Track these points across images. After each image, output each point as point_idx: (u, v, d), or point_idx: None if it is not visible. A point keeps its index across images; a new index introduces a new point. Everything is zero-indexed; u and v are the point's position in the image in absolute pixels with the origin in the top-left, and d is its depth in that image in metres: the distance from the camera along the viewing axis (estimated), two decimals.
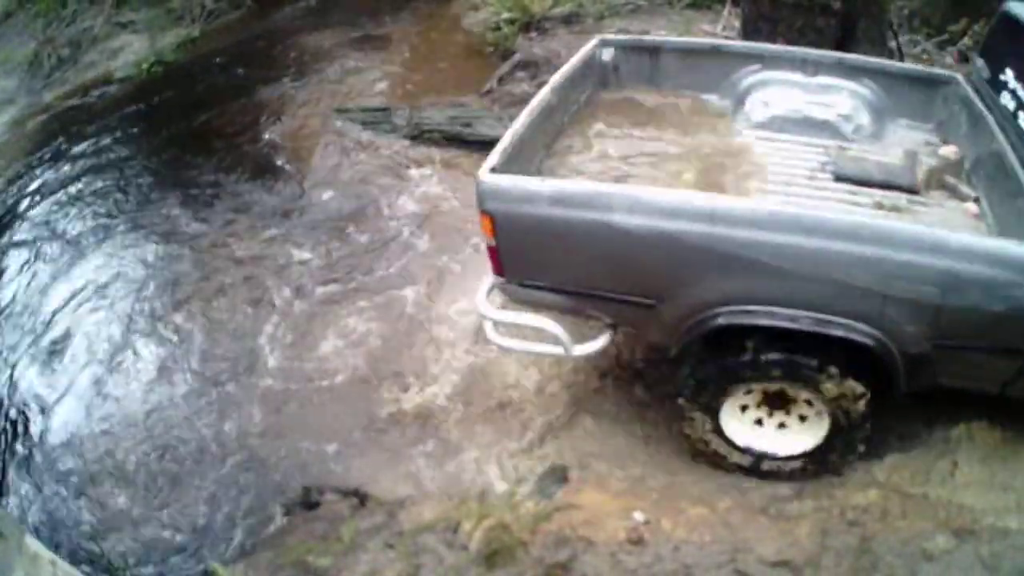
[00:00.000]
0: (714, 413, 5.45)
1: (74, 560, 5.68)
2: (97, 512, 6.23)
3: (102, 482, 6.45)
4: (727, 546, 5.16)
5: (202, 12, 13.86)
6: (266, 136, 10.51)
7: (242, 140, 10.52)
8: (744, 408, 5.51)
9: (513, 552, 5.05)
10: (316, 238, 8.51)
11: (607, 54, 6.96)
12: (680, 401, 5.41)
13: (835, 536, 5.26)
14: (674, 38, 7.32)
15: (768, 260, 4.66)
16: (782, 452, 5.60)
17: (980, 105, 6.18)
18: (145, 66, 13.26)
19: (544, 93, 6.02)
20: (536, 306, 5.33)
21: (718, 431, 5.51)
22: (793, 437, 5.58)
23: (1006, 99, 5.95)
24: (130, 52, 13.84)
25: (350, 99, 11.02)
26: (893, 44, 10.41)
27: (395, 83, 11.56)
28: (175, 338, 7.63)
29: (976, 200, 5.83)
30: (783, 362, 5.07)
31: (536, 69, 11.13)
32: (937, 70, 7.24)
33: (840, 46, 9.54)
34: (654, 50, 7.06)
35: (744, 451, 5.59)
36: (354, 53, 12.53)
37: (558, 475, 5.75)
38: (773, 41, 9.33)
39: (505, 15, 12.45)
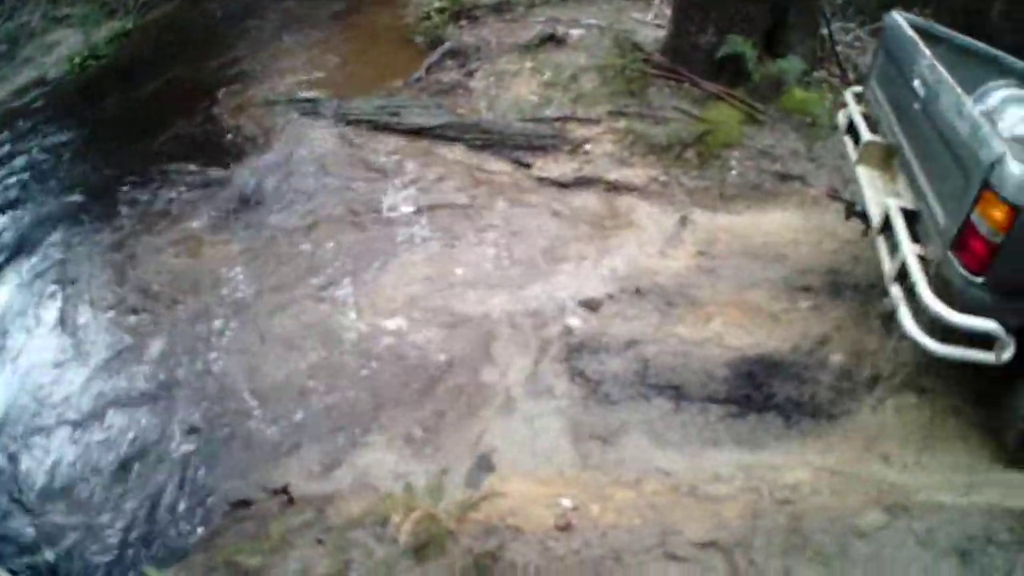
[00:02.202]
0: None
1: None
2: (32, 521, 6.05)
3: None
4: (656, 529, 5.09)
5: (135, 4, 13.71)
6: (197, 129, 10.31)
7: (173, 134, 10.30)
8: None
9: (442, 543, 4.97)
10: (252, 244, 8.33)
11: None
12: None
13: (765, 516, 5.19)
14: (961, 35, 7.15)
15: None
16: None
17: None
18: (78, 60, 12.96)
19: None
20: (980, 311, 5.00)
21: None
22: None
23: None
24: (65, 47, 13.65)
25: (281, 90, 10.83)
26: (825, 32, 10.44)
27: (327, 73, 11.39)
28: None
29: None
30: None
31: (465, 57, 11.10)
32: None
33: (771, 34, 9.56)
34: (936, 39, 6.84)
35: None
36: (286, 43, 12.41)
37: (485, 464, 5.65)
38: (703, 28, 9.37)
39: (436, 4, 12.40)
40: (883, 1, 11.04)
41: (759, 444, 5.82)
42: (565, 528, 5.11)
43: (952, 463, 5.68)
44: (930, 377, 6.15)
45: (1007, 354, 4.96)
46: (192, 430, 6.27)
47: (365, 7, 13.69)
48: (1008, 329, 4.89)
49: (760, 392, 6.12)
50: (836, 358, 6.37)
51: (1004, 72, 6.80)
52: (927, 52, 5.90)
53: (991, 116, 6.47)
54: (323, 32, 12.76)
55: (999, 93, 6.64)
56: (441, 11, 12.24)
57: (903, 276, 5.25)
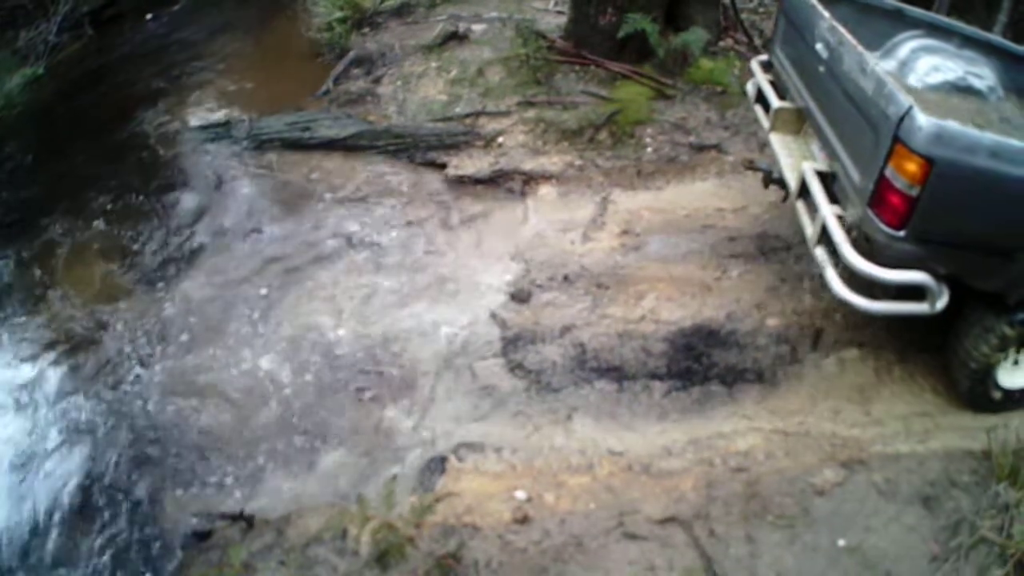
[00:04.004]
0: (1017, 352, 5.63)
1: None
2: None
3: None
4: (613, 511, 5.16)
5: (45, 48, 13.45)
6: (112, 163, 10.10)
7: (91, 171, 10.11)
8: None
9: (402, 550, 4.98)
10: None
11: None
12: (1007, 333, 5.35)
13: (721, 485, 5.29)
14: None
15: None
16: (1018, 385, 5.72)
17: None
18: None
19: None
20: (907, 264, 5.02)
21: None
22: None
23: None
24: None
25: (193, 117, 10.63)
26: (728, 1, 10.50)
27: (237, 95, 11.22)
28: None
29: None
30: None
31: (371, 64, 11.02)
32: None
33: (672, 8, 9.61)
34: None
35: (1001, 389, 5.72)
36: (195, 69, 12.15)
37: (437, 466, 5.63)
38: (602, 9, 9.37)
39: (337, 14, 12.23)
40: None
41: (706, 415, 5.85)
42: (523, 520, 5.14)
43: (905, 412, 5.77)
44: (870, 331, 6.24)
45: (941, 302, 5.05)
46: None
47: (267, 27, 13.57)
48: (939, 277, 4.94)
49: (700, 363, 6.17)
50: (773, 321, 6.45)
51: (910, 23, 6.93)
52: (826, 14, 5.95)
53: (903, 68, 6.55)
54: (229, 56, 12.55)
55: (908, 45, 6.74)
56: (342, 20, 12.10)
57: (826, 238, 5.28)
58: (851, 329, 6.31)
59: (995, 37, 7.46)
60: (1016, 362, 5.62)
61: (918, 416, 5.73)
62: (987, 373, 5.49)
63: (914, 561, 4.79)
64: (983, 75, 6.57)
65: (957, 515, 4.98)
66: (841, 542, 4.91)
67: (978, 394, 5.62)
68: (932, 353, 5.92)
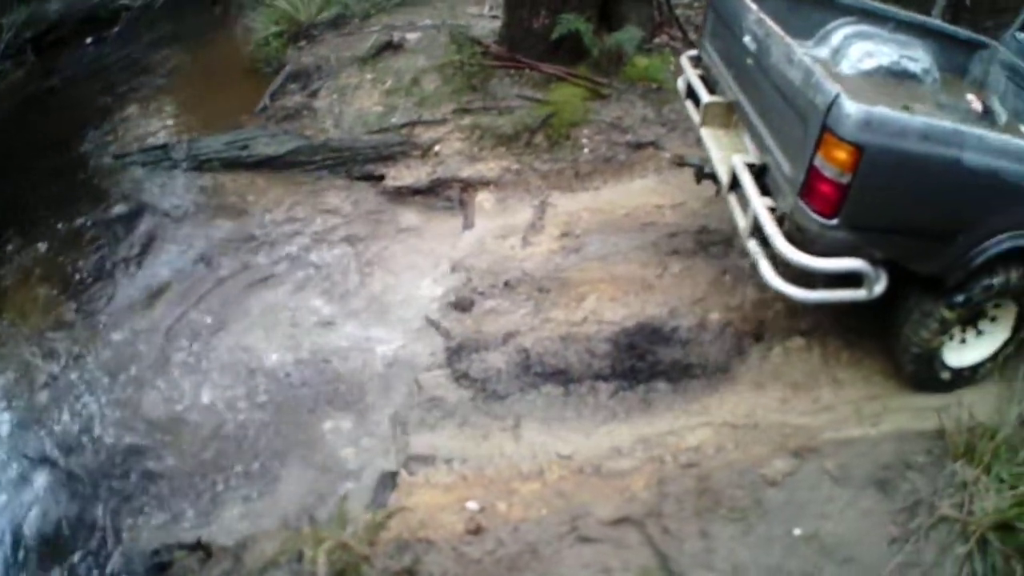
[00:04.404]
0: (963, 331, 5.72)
1: None
2: None
3: None
4: (565, 516, 5.14)
5: None
6: (53, 188, 9.98)
7: (33, 197, 9.99)
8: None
9: (358, 568, 4.93)
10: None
11: None
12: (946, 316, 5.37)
13: (672, 482, 5.27)
14: None
15: None
16: (966, 363, 5.77)
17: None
18: None
19: None
20: (842, 251, 5.01)
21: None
22: (971, 350, 5.78)
23: None
24: None
25: (134, 140, 10.53)
26: None
27: (177, 115, 11.18)
28: None
29: None
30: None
31: (307, 78, 11.00)
32: (979, 36, 7.47)
33: (605, 7, 9.63)
34: None
35: (949, 369, 5.77)
36: (135, 91, 12.06)
37: (388, 482, 5.61)
38: (535, 12, 9.36)
39: (273, 29, 12.21)
40: None
41: (654, 413, 5.85)
42: (476, 531, 5.11)
43: (854, 396, 5.80)
44: (814, 319, 6.26)
45: (879, 287, 5.06)
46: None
47: (205, 44, 13.54)
48: (876, 263, 4.96)
49: (645, 361, 6.16)
50: (716, 315, 6.45)
51: (843, 11, 7.00)
52: (753, 6, 5.97)
53: (835, 56, 6.60)
54: (168, 75, 12.52)
55: (841, 32, 6.81)
56: (278, 35, 12.09)
57: (758, 230, 5.28)
58: (795, 318, 6.32)
59: (930, 20, 7.58)
60: (963, 340, 5.67)
61: (868, 400, 5.74)
62: (932, 356, 5.52)
63: (873, 545, 4.78)
64: (918, 58, 6.65)
65: (914, 496, 4.98)
66: (797, 531, 4.89)
67: (925, 376, 5.66)
68: (878, 337, 5.92)
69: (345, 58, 11.10)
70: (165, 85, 12.22)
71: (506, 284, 7.00)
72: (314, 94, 10.45)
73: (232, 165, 9.38)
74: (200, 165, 9.47)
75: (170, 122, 10.95)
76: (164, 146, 9.94)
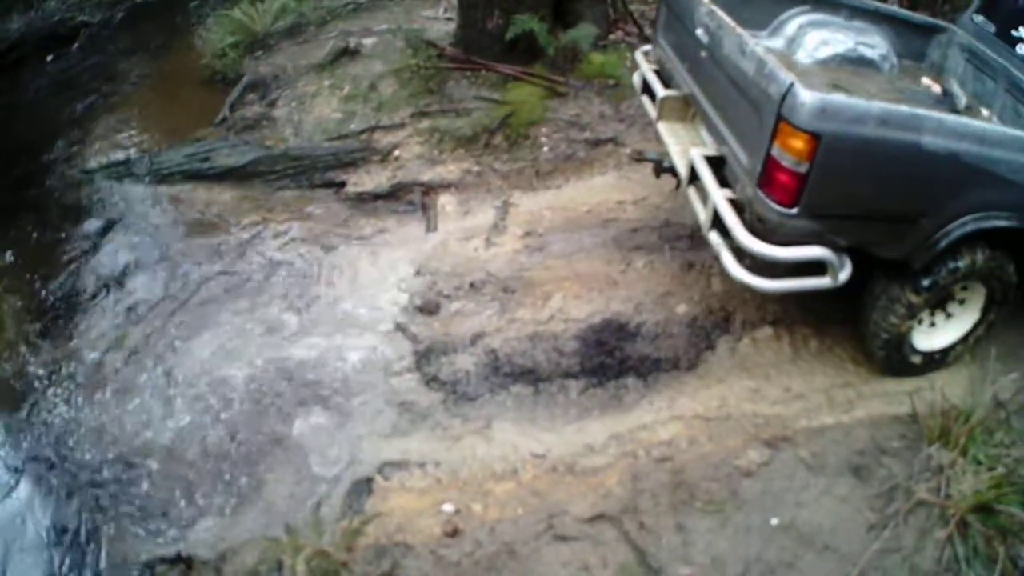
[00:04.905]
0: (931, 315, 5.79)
1: None
2: None
3: None
4: (541, 515, 5.15)
5: None
6: (16, 207, 9.93)
7: None
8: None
9: (338, 575, 4.94)
10: None
11: None
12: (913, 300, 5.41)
13: (646, 477, 5.29)
14: None
15: (1006, 173, 4.90)
16: (937, 346, 5.84)
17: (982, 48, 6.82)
18: None
19: None
20: (804, 240, 5.00)
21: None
22: (941, 333, 5.85)
23: None
24: None
25: (96, 156, 10.40)
26: None
27: (138, 129, 11.05)
28: None
29: None
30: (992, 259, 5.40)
31: (265, 88, 10.96)
32: (935, 20, 7.58)
33: (560, 5, 9.66)
34: None
35: (920, 353, 5.81)
36: (97, 106, 11.94)
37: (364, 488, 5.59)
38: (489, 13, 9.36)
39: (229, 39, 12.17)
40: None
41: (625, 408, 5.86)
42: (453, 534, 5.12)
43: (826, 384, 5.84)
44: (781, 308, 6.31)
45: (844, 274, 5.08)
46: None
47: (164, 58, 13.44)
48: (840, 249, 4.98)
49: (614, 357, 6.18)
50: (682, 308, 6.48)
51: (796, 0, 7.00)
52: None
53: (791, 45, 6.63)
54: (128, 89, 12.42)
55: (795, 21, 6.88)
56: (235, 45, 12.05)
57: (719, 222, 5.29)
58: (762, 308, 6.37)
59: (885, 6, 7.59)
60: (933, 324, 5.73)
61: (840, 387, 5.79)
62: (901, 341, 5.55)
63: (850, 532, 4.82)
64: (875, 45, 6.74)
65: (890, 482, 5.02)
66: (774, 521, 4.92)
67: (896, 361, 5.69)
68: (848, 323, 5.96)
69: (302, 66, 11.06)
70: (126, 99, 12.12)
71: (471, 286, 7.00)
72: (273, 103, 10.41)
73: (194, 177, 9.31)
74: (162, 179, 9.39)
75: (132, 135, 10.86)
76: (126, 161, 9.88)
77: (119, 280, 7.90)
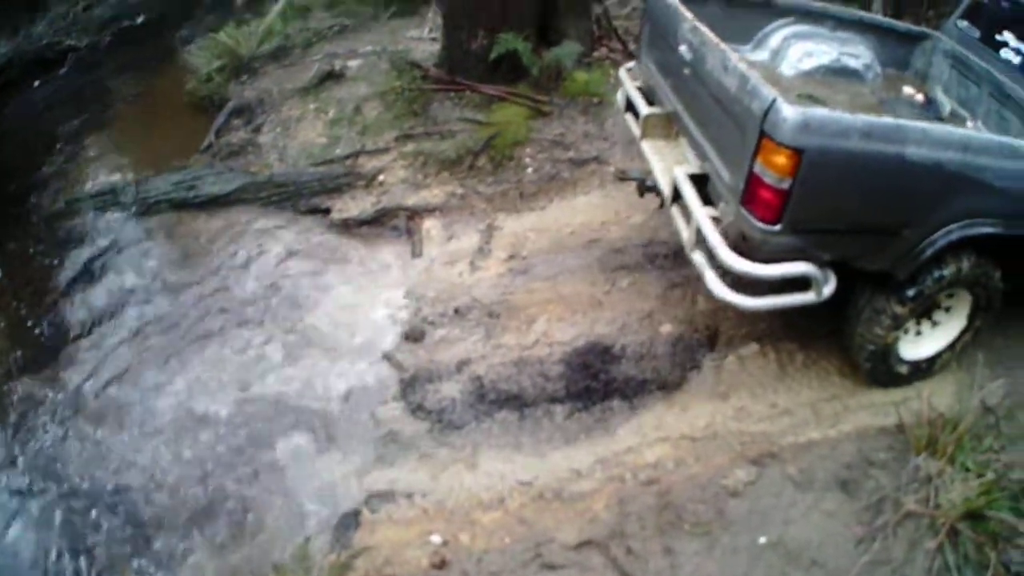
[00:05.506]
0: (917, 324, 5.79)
1: None
2: None
3: None
4: (529, 543, 5.11)
5: None
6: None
7: None
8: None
9: None
10: None
11: None
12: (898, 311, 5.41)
13: (633, 501, 5.26)
14: None
15: (991, 180, 4.90)
16: (923, 355, 5.85)
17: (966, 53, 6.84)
18: None
19: None
20: (788, 256, 4.99)
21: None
22: (928, 342, 5.86)
23: None
24: None
25: (83, 183, 10.42)
26: (599, 11, 10.58)
27: (125, 156, 11.08)
28: None
29: None
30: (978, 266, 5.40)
31: (251, 113, 10.93)
32: (919, 28, 7.61)
33: (544, 25, 9.64)
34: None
35: (906, 362, 5.81)
36: (84, 133, 11.89)
37: (351, 522, 5.55)
38: (473, 33, 9.37)
39: (215, 64, 12.17)
40: None
41: (611, 432, 5.83)
42: (441, 565, 5.08)
43: (812, 398, 5.82)
44: (766, 324, 6.29)
45: (828, 289, 5.06)
46: None
47: (150, 84, 13.41)
48: (823, 264, 4.96)
49: (599, 380, 6.15)
50: (667, 328, 6.46)
51: (780, 13, 7.03)
52: (687, 15, 5.94)
53: (775, 58, 6.63)
54: (115, 116, 12.42)
55: (779, 33, 6.89)
56: (221, 69, 12.05)
57: (702, 240, 5.26)
58: (747, 325, 6.34)
59: (869, 15, 7.62)
60: (919, 332, 5.71)
61: (826, 401, 5.77)
62: (887, 351, 5.53)
63: (839, 547, 4.79)
64: (859, 55, 6.74)
65: (878, 494, 4.99)
66: (762, 539, 4.89)
67: (882, 372, 5.68)
68: (833, 337, 5.94)
69: (288, 90, 11.04)
70: (113, 125, 12.12)
71: (456, 311, 6.98)
72: (258, 129, 10.38)
73: (181, 206, 9.28)
74: (149, 208, 9.37)
75: (119, 163, 10.85)
76: (112, 190, 9.83)
77: (105, 310, 7.88)
